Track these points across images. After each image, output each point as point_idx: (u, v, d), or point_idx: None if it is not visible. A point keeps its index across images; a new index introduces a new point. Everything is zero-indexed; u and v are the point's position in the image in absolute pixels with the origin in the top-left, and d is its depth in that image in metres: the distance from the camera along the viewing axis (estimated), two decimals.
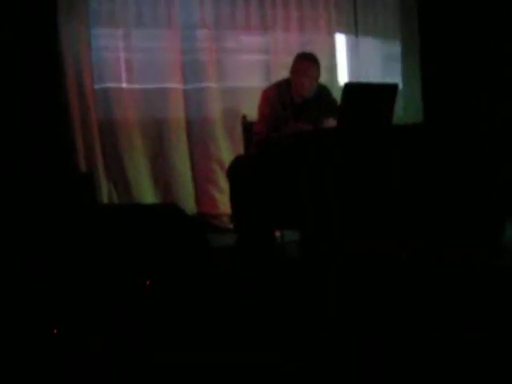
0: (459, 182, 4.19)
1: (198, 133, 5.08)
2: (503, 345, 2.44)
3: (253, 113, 4.17)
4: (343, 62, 5.60)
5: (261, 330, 2.71)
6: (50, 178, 4.04)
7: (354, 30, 5.63)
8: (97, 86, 4.75)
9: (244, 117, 4.31)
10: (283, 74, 4.24)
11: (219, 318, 2.84)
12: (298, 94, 4.02)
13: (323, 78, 4.36)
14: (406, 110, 5.63)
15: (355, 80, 5.43)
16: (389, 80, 5.72)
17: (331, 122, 3.90)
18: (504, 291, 3.07)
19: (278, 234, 4.14)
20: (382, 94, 3.83)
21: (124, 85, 4.86)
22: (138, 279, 2.97)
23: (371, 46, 5.71)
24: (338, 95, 3.85)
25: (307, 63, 4.01)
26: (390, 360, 2.38)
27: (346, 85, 3.71)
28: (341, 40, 5.59)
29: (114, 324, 2.67)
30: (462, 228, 3.77)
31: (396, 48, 5.84)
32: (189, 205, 4.98)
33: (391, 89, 3.91)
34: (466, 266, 3.43)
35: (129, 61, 4.87)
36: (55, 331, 2.55)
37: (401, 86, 5.58)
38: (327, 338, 2.59)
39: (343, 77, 5.53)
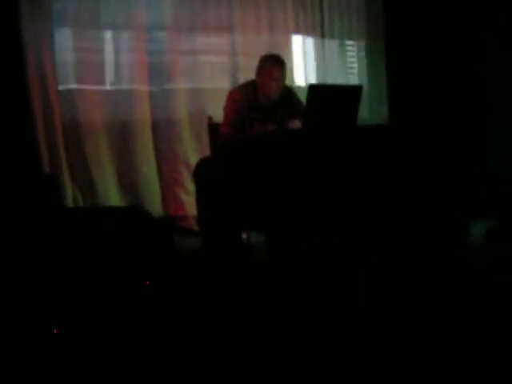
0: (425, 182, 4.22)
1: (164, 134, 5.05)
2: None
3: (219, 114, 4.16)
4: (309, 63, 5.62)
5: (235, 332, 2.70)
6: (13, 181, 3.98)
7: (320, 31, 5.66)
8: (61, 88, 4.69)
9: (210, 118, 4.30)
10: (249, 75, 4.24)
11: (189, 319, 2.83)
12: (264, 95, 4.03)
13: (288, 80, 4.37)
14: (371, 111, 5.68)
15: (321, 81, 5.46)
16: (354, 81, 5.79)
17: (297, 124, 3.92)
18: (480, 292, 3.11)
19: (244, 235, 4.14)
20: (347, 95, 3.86)
21: (89, 86, 4.81)
22: (101, 282, 2.95)
23: (337, 47, 5.75)
24: (303, 97, 3.87)
25: (273, 65, 4.02)
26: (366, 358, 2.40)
27: (311, 86, 3.73)
28: (307, 41, 5.61)
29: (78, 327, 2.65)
30: (429, 228, 3.80)
31: (361, 49, 5.89)
32: (155, 207, 4.95)
33: (356, 90, 3.95)
34: (438, 265, 3.47)
35: (93, 62, 4.82)
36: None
37: (366, 87, 5.63)
38: (305, 338, 2.59)
39: (309, 78, 5.55)
